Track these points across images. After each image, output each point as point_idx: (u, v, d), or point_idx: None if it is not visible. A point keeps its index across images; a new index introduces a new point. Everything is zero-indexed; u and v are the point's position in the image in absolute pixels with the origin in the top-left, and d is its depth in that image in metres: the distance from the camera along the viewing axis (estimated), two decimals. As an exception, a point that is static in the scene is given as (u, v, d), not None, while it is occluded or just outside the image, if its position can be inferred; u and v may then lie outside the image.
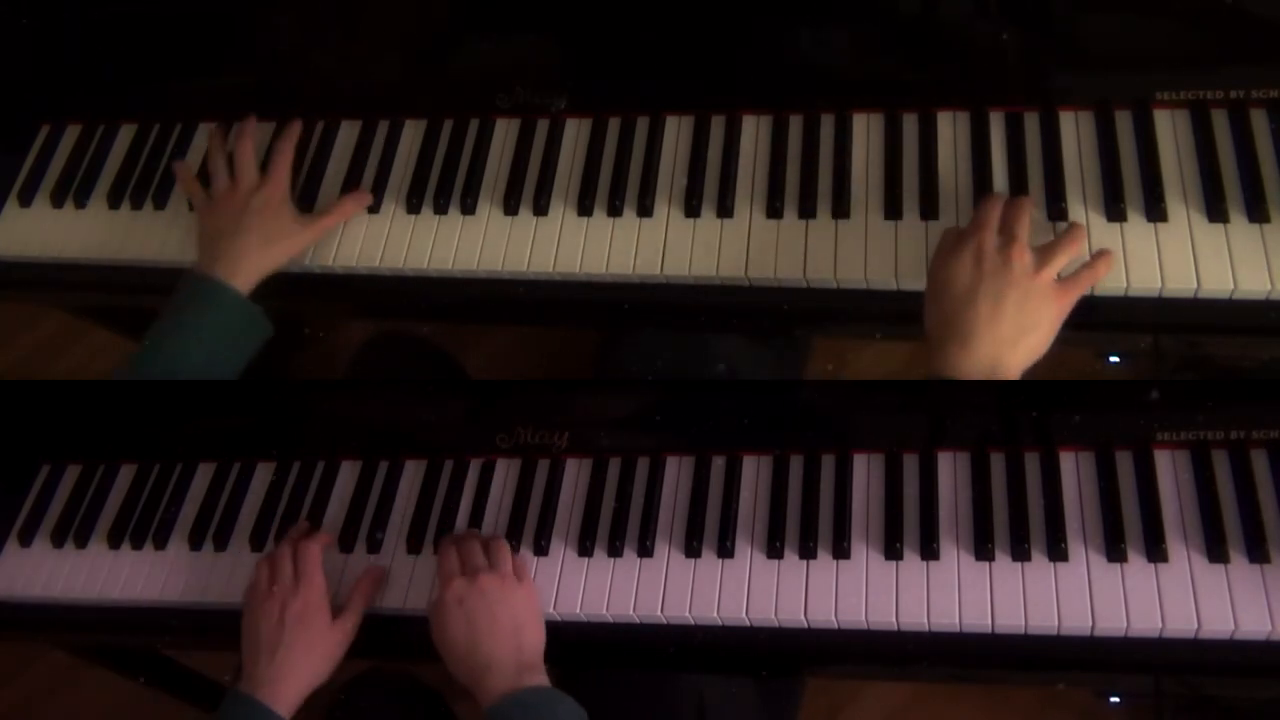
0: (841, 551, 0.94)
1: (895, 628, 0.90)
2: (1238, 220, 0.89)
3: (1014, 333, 0.82)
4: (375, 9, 1.14)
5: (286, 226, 1.02)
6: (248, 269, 1.00)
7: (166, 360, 0.96)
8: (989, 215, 0.87)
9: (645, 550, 0.98)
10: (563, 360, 1.73)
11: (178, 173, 1.10)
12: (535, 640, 0.91)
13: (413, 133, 1.11)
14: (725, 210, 0.99)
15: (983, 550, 0.91)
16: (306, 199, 1.08)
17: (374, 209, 1.07)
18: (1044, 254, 0.85)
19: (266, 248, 1.01)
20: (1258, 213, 0.89)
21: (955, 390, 1.00)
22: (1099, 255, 0.88)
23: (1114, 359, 1.40)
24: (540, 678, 0.88)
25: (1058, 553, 0.90)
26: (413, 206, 1.06)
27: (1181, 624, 0.85)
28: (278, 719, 0.91)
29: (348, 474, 1.11)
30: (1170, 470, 0.94)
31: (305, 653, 0.94)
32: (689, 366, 1.28)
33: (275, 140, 1.08)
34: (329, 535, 1.04)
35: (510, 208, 1.03)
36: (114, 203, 1.13)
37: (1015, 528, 0.92)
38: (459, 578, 0.93)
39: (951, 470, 0.98)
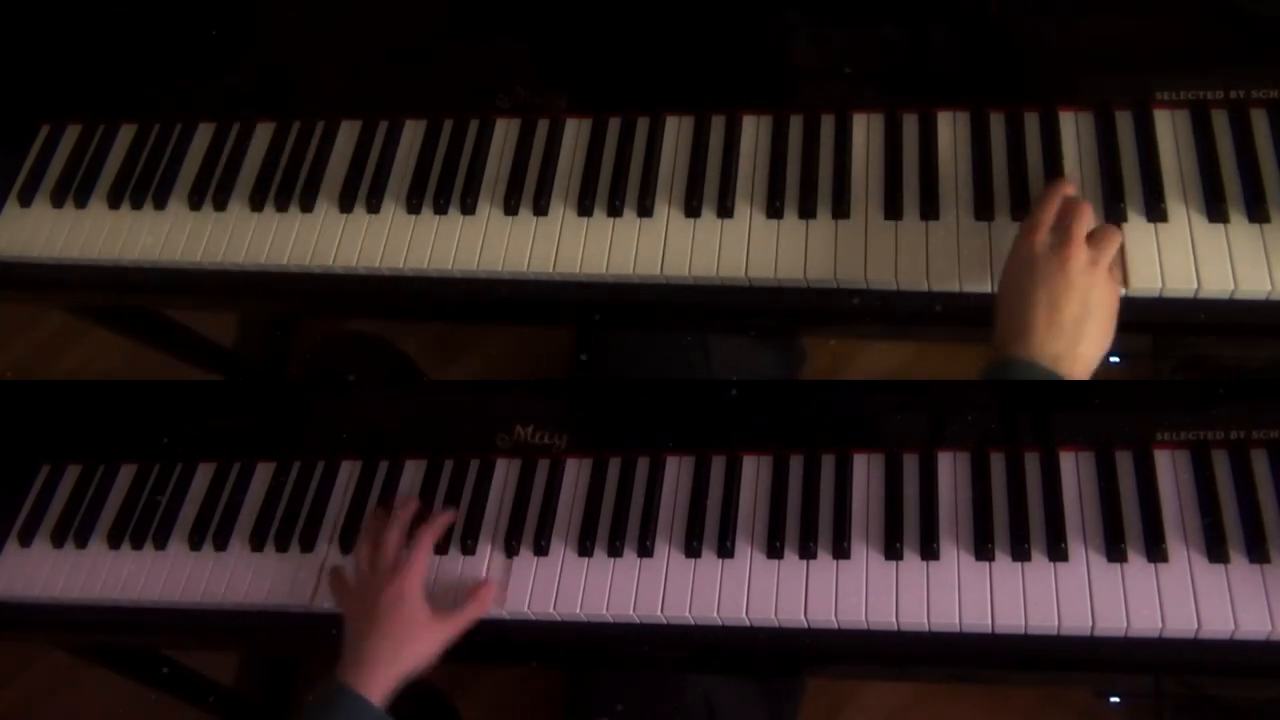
0: (841, 551, 0.94)
1: (895, 628, 0.90)
2: (1238, 220, 0.89)
3: (1075, 330, 0.81)
4: (375, 9, 1.14)
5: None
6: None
7: None
8: (1043, 214, 0.86)
9: (645, 550, 0.98)
10: (562, 360, 1.73)
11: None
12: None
13: (413, 133, 1.11)
14: (725, 210, 0.99)
15: (983, 550, 0.91)
16: (308, 199, 1.08)
17: (374, 209, 1.07)
18: (1094, 245, 0.84)
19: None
20: (1258, 213, 0.89)
21: (955, 390, 1.00)
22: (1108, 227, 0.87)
23: (1114, 359, 1.40)
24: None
25: (1058, 553, 0.90)
26: (413, 207, 1.06)
27: (1181, 624, 0.85)
28: (373, 710, 0.88)
29: (348, 474, 1.11)
30: (1170, 470, 0.94)
31: (391, 641, 0.91)
32: (687, 366, 1.28)
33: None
34: (450, 516, 1.03)
35: (510, 208, 1.03)
36: (114, 203, 1.13)
37: (1015, 528, 0.92)
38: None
39: (951, 470, 0.98)
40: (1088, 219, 0.85)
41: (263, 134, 1.14)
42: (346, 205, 1.07)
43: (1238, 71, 0.94)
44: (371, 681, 0.89)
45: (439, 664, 0.95)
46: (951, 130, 0.99)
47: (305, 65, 1.16)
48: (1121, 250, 0.88)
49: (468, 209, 1.04)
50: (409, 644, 0.93)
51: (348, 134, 1.12)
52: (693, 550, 0.97)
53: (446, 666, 0.94)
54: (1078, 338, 0.81)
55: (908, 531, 0.94)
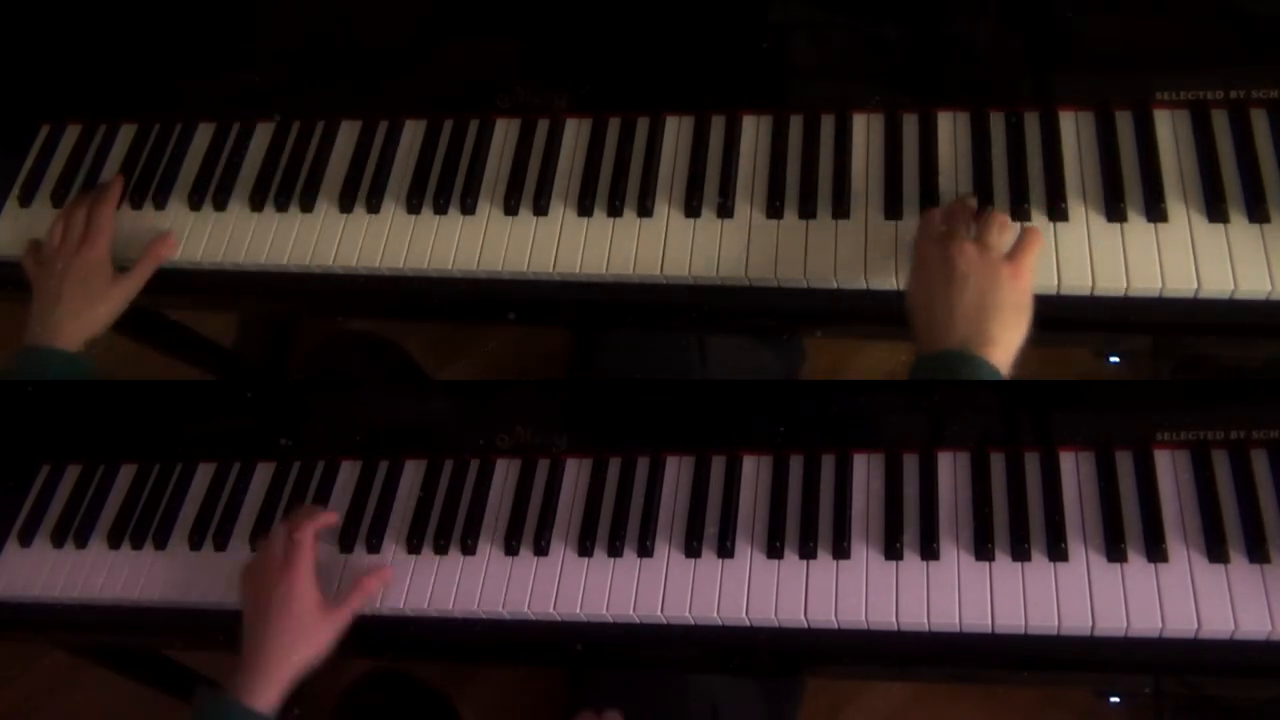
0: (841, 551, 0.94)
1: (895, 628, 0.90)
2: (1238, 220, 0.89)
3: (980, 311, 0.82)
4: (375, 8, 1.14)
5: (101, 289, 1.04)
6: (69, 330, 1.02)
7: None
8: (958, 211, 0.89)
9: (645, 550, 0.98)
10: (562, 360, 1.73)
11: (24, 259, 1.09)
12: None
13: (413, 133, 1.11)
14: (725, 210, 0.99)
15: (983, 550, 0.92)
16: (307, 198, 1.08)
17: (374, 209, 1.07)
18: (984, 235, 0.87)
19: (80, 313, 1.02)
20: (1258, 213, 0.89)
21: (955, 390, 1.00)
22: (1027, 232, 0.88)
23: (1114, 359, 1.41)
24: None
25: (1058, 553, 0.90)
26: (413, 207, 1.06)
27: (1181, 624, 0.85)
28: (255, 715, 0.88)
29: (348, 474, 1.11)
30: (1170, 470, 0.94)
31: (288, 640, 0.91)
32: (686, 366, 1.28)
33: (93, 202, 1.08)
34: (335, 515, 1.03)
35: (510, 208, 1.03)
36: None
37: (1015, 528, 0.92)
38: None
39: (951, 470, 0.98)
40: (968, 216, 0.89)
41: (262, 134, 1.14)
42: (346, 205, 1.07)
43: (1238, 71, 0.94)
44: (264, 685, 0.90)
45: (437, 664, 0.95)
46: (951, 130, 0.99)
47: (305, 65, 1.16)
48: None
49: (468, 209, 1.04)
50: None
51: (348, 134, 1.12)
52: (693, 550, 0.97)
53: (446, 667, 0.94)
54: (982, 321, 0.82)
55: (908, 531, 0.94)
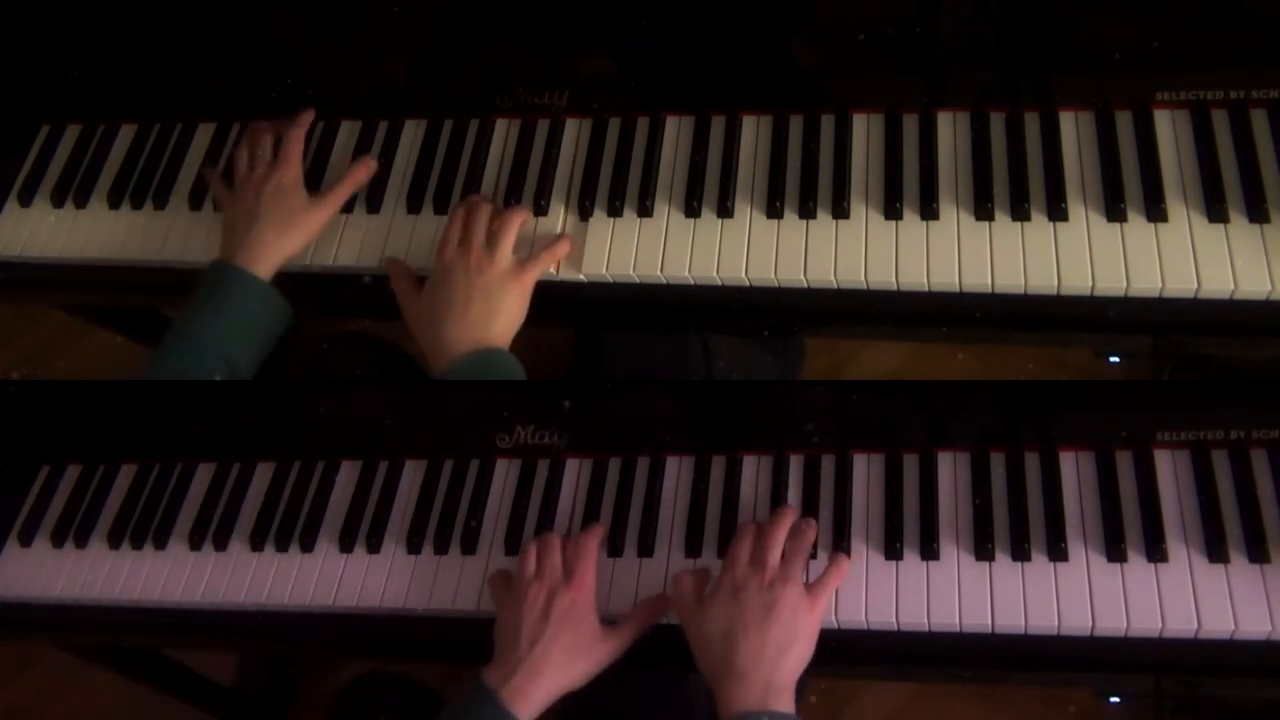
0: (842, 551, 0.94)
1: (895, 628, 0.90)
2: (1238, 220, 0.89)
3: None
4: (375, 9, 1.14)
5: (300, 207, 1.03)
6: (267, 255, 1.01)
7: (192, 348, 0.97)
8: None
9: (646, 550, 0.98)
10: (562, 360, 1.73)
11: (206, 174, 1.11)
12: (796, 665, 0.85)
13: (413, 133, 1.11)
14: (725, 210, 0.99)
15: (983, 550, 0.92)
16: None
17: (374, 209, 1.07)
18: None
19: (283, 232, 1.02)
20: (1258, 213, 0.89)
21: (955, 390, 1.00)
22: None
23: (1114, 359, 1.41)
24: (786, 703, 0.82)
25: (1058, 553, 0.90)
26: (413, 207, 1.06)
27: (1181, 624, 0.85)
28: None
29: (348, 474, 1.11)
30: (1170, 470, 0.94)
31: (563, 650, 0.88)
32: (687, 366, 1.28)
33: (287, 128, 1.08)
34: (602, 529, 0.99)
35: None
36: (114, 203, 1.13)
37: (1015, 528, 0.92)
38: (744, 566, 0.88)
39: (951, 470, 0.98)
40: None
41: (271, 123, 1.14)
42: (346, 205, 1.07)
43: (1238, 71, 0.94)
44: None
45: (436, 664, 0.95)
46: (951, 130, 0.99)
47: (305, 65, 1.16)
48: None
49: (468, 209, 1.04)
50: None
51: (348, 133, 1.12)
52: (693, 550, 0.97)
53: (445, 667, 0.94)
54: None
55: (908, 531, 0.94)
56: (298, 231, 1.03)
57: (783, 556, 0.89)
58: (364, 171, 1.07)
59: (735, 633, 0.84)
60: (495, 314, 0.94)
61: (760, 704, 0.81)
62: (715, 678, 0.84)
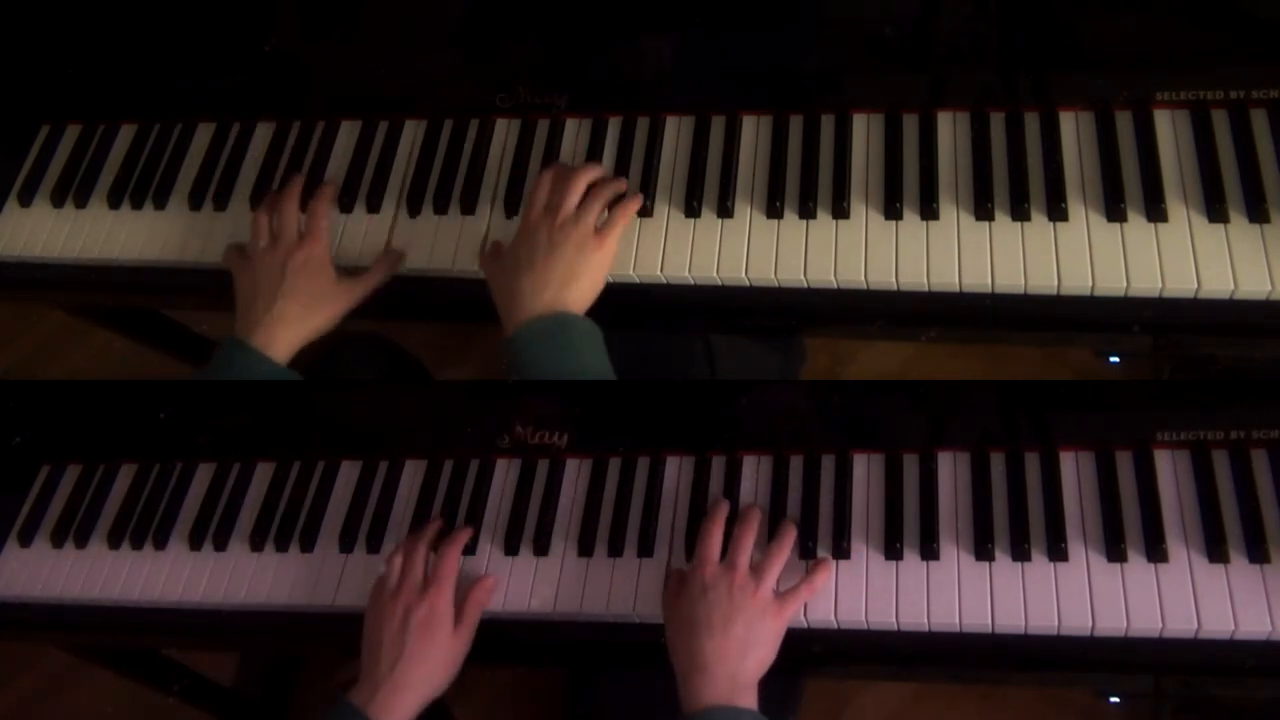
0: (841, 551, 0.94)
1: (895, 628, 0.90)
2: (1238, 220, 0.89)
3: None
4: (375, 9, 1.14)
5: (327, 289, 0.98)
6: (288, 334, 0.96)
7: None
8: (708, 550, 0.92)
9: (646, 550, 0.98)
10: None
11: (227, 256, 1.03)
12: (758, 665, 0.87)
13: (413, 133, 1.11)
14: (725, 210, 0.99)
15: (983, 550, 0.91)
16: (307, 199, 1.08)
17: (374, 209, 1.07)
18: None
19: (308, 310, 0.96)
20: (1258, 213, 0.89)
21: (955, 390, 1.00)
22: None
23: (1114, 359, 1.41)
24: (750, 700, 0.85)
25: (1058, 553, 0.90)
26: (413, 207, 1.06)
27: (1181, 624, 0.85)
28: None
29: (348, 474, 1.11)
30: (1170, 470, 0.94)
31: (422, 663, 0.90)
32: (687, 366, 1.28)
33: (310, 200, 1.04)
34: (468, 531, 1.01)
35: (510, 209, 1.03)
36: (114, 203, 1.13)
37: (1015, 528, 0.92)
38: (714, 565, 0.90)
39: (951, 470, 0.98)
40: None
41: (262, 135, 1.14)
42: (346, 206, 1.07)
43: (1238, 71, 0.94)
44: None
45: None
46: (951, 130, 0.99)
47: (306, 66, 1.16)
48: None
49: (467, 209, 1.04)
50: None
51: (348, 134, 1.12)
52: (694, 550, 0.97)
53: (464, 664, 0.94)
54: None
55: (908, 531, 0.94)
56: (324, 312, 0.97)
57: (762, 560, 0.91)
58: (395, 259, 1.01)
59: (700, 628, 0.86)
60: (575, 278, 0.92)
61: (728, 697, 0.83)
62: (681, 672, 0.86)
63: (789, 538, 0.94)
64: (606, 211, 0.96)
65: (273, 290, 0.96)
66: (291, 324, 0.95)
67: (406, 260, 1.03)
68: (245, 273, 1.00)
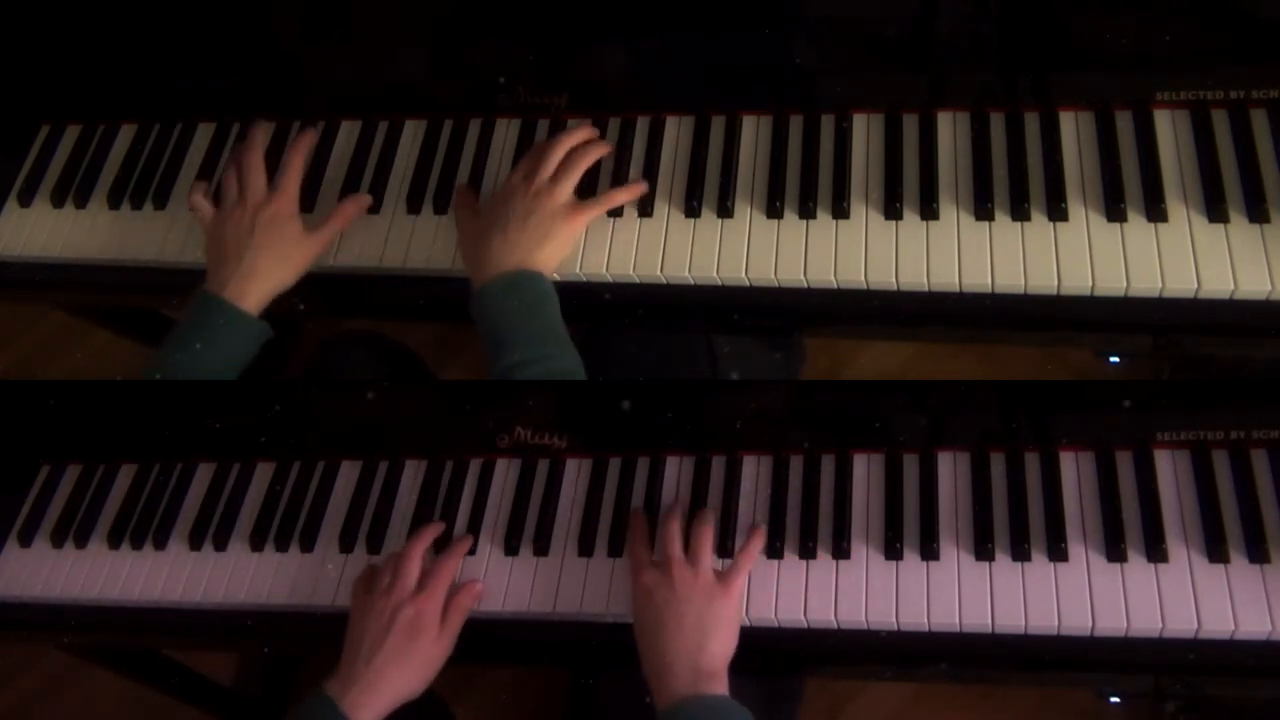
0: (841, 551, 0.94)
1: (895, 628, 0.90)
2: (1238, 220, 0.89)
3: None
4: (375, 9, 1.14)
5: (296, 240, 1.00)
6: (259, 289, 0.98)
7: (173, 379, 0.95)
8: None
9: (645, 550, 0.98)
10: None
11: (192, 190, 1.05)
12: (721, 648, 0.88)
13: (413, 133, 1.11)
14: (725, 210, 0.99)
15: (983, 550, 0.92)
16: (307, 200, 1.08)
17: (375, 209, 1.07)
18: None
19: (277, 265, 0.99)
20: (1258, 213, 0.89)
21: (955, 390, 1.00)
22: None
23: (1114, 359, 1.40)
24: (719, 686, 0.85)
25: (1058, 553, 0.90)
26: (413, 207, 1.06)
27: (1181, 624, 0.85)
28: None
29: (348, 474, 1.11)
30: (1170, 470, 0.94)
31: (401, 665, 0.91)
32: (688, 366, 1.28)
33: (286, 150, 1.06)
34: (469, 540, 1.02)
35: (510, 208, 1.03)
36: (114, 203, 1.13)
37: (1015, 528, 0.92)
38: (650, 569, 0.92)
39: (951, 470, 0.98)
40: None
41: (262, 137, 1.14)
42: (346, 205, 1.07)
43: (1238, 71, 0.94)
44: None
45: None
46: (951, 130, 0.99)
47: (306, 65, 1.16)
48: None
49: (468, 209, 1.04)
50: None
51: (348, 133, 1.12)
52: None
53: (444, 671, 0.94)
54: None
55: (908, 531, 0.94)
56: (292, 264, 1.00)
57: (692, 546, 0.93)
58: (354, 206, 1.04)
59: (657, 630, 0.87)
60: (543, 240, 0.94)
61: (690, 688, 0.84)
62: (650, 676, 0.87)
63: (708, 521, 0.95)
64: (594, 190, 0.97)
65: (242, 245, 0.98)
66: (263, 278, 0.98)
67: (407, 260, 1.03)
68: (216, 228, 1.02)
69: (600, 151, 1.01)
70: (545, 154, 0.99)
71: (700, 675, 0.85)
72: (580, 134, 1.02)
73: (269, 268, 0.98)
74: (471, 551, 1.02)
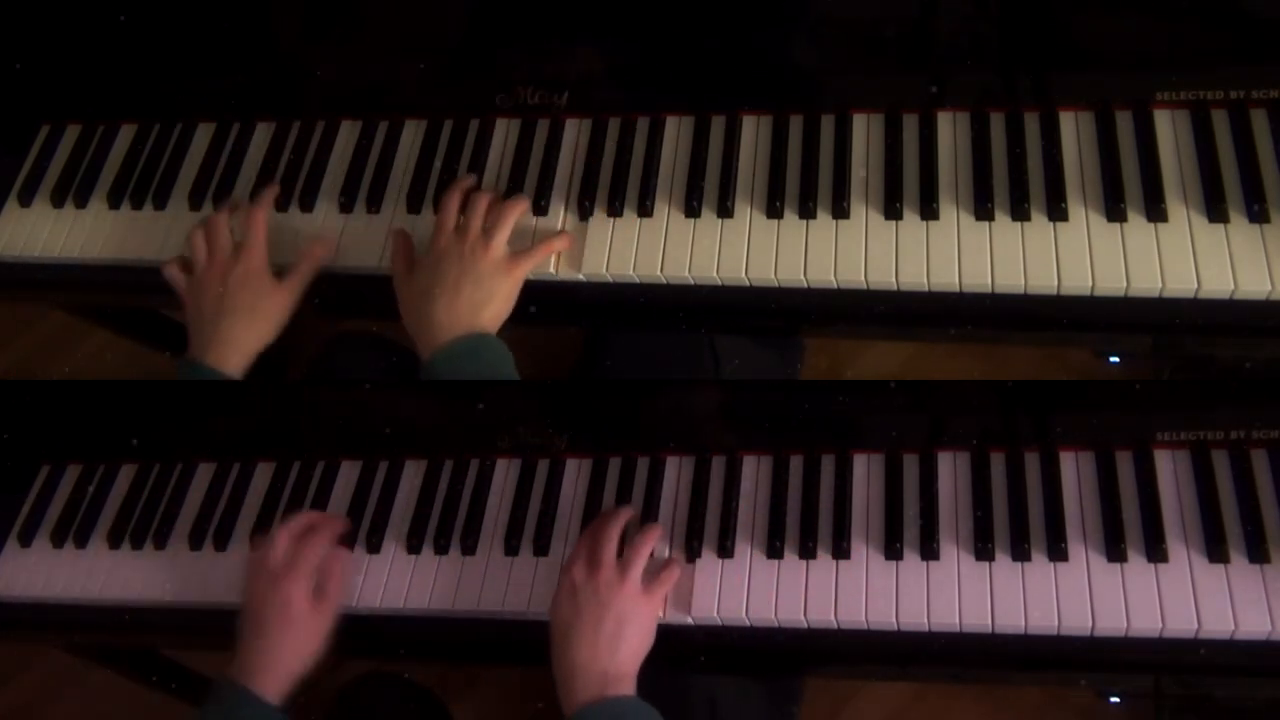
0: (841, 551, 0.94)
1: (895, 628, 0.90)
2: (1238, 220, 0.89)
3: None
4: (375, 9, 1.14)
5: (269, 294, 1.00)
6: (239, 350, 0.99)
7: None
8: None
9: (645, 550, 0.98)
10: (561, 360, 1.73)
11: (164, 265, 1.05)
12: (631, 655, 0.88)
13: (412, 133, 1.11)
14: (725, 210, 0.99)
15: (983, 550, 0.92)
16: (306, 201, 1.08)
17: (375, 209, 1.07)
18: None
19: (255, 324, 1.00)
20: (1258, 213, 0.89)
21: (955, 390, 1.00)
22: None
23: (1114, 359, 1.40)
24: (627, 688, 0.86)
25: (1058, 553, 0.90)
26: (412, 207, 1.06)
27: (1181, 624, 0.85)
28: (267, 705, 0.89)
29: (348, 474, 1.11)
30: (1170, 470, 0.94)
31: (293, 645, 0.92)
32: (688, 366, 1.28)
33: (248, 210, 1.04)
34: (342, 521, 1.03)
35: (510, 208, 1.03)
36: (114, 203, 1.13)
37: (1015, 528, 0.92)
38: (580, 566, 0.91)
39: (951, 470, 0.98)
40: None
41: (262, 134, 1.14)
42: (346, 206, 1.07)
43: (1238, 71, 0.94)
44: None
45: (437, 666, 0.95)
46: (951, 130, 0.99)
47: (306, 66, 1.16)
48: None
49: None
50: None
51: (348, 134, 1.12)
52: (693, 551, 0.97)
53: (445, 674, 0.94)
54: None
55: (908, 531, 0.94)
56: (269, 319, 1.00)
57: (627, 553, 0.93)
58: (320, 249, 1.03)
59: (573, 630, 0.88)
60: (486, 301, 0.94)
61: (599, 692, 0.84)
62: (559, 678, 0.87)
63: (652, 531, 0.96)
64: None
65: (216, 310, 0.99)
66: (239, 343, 0.99)
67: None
68: (189, 294, 1.03)
69: (523, 205, 1.00)
70: (471, 208, 0.98)
71: (609, 678, 0.85)
72: (491, 194, 1.01)
73: (246, 330, 0.99)
74: (472, 551, 1.02)
